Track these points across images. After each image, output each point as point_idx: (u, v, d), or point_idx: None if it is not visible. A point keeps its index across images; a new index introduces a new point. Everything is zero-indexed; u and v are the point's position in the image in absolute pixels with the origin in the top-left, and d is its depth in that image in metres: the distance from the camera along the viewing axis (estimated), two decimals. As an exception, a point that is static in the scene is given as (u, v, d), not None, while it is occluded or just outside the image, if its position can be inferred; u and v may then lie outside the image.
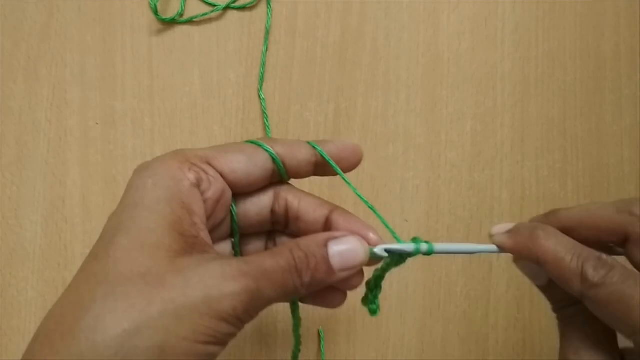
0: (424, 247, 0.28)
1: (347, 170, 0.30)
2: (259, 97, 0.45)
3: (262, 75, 0.45)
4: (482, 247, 0.30)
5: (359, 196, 0.30)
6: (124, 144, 0.45)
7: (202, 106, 0.45)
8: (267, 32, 0.45)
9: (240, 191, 0.29)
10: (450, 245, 0.30)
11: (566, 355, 0.28)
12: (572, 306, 0.28)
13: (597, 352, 0.27)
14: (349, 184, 0.30)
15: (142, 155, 0.44)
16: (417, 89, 0.46)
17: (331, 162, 0.29)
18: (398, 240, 0.29)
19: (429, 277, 0.44)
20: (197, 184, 0.27)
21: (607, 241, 0.28)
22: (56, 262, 0.43)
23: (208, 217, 0.28)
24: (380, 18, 0.46)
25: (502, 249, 0.29)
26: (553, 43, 0.47)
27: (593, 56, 0.47)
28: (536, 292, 0.45)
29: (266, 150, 0.29)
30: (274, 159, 0.29)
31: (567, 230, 0.28)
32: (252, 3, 0.45)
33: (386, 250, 0.28)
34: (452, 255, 0.44)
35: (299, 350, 0.35)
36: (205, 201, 0.27)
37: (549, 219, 0.29)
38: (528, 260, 0.28)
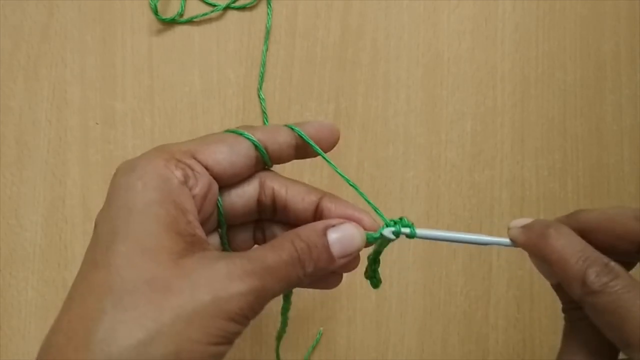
0: (420, 232, 0.29)
1: (326, 150, 0.30)
2: (259, 97, 0.45)
3: (262, 75, 0.45)
4: (495, 239, 0.30)
5: (341, 175, 0.30)
6: (124, 144, 0.45)
7: (202, 106, 0.45)
8: (268, 32, 0.45)
9: (226, 182, 0.29)
10: (461, 234, 0.30)
11: (563, 355, 0.28)
12: (580, 309, 0.27)
13: (594, 359, 0.27)
14: (329, 162, 0.30)
15: (142, 155, 0.44)
16: (417, 89, 0.46)
17: (310, 142, 0.30)
18: (384, 219, 0.29)
19: (429, 277, 0.44)
20: (185, 181, 0.26)
21: (623, 248, 0.27)
22: (56, 262, 0.43)
23: (197, 213, 0.28)
24: (380, 18, 0.46)
25: (514, 243, 0.29)
26: (553, 43, 0.47)
27: (593, 56, 0.47)
28: (536, 292, 0.45)
29: (247, 138, 0.29)
30: (256, 146, 0.29)
31: (585, 233, 0.28)
32: (252, 3, 0.45)
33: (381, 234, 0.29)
34: (456, 245, 0.44)
35: (284, 332, 0.35)
36: (193, 197, 0.27)
37: (569, 219, 0.29)
38: (537, 257, 0.28)
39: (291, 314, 0.33)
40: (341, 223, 0.28)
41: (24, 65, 0.45)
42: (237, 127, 0.29)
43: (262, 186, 0.30)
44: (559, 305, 0.30)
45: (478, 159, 0.46)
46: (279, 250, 0.26)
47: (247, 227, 0.32)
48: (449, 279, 0.45)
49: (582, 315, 0.27)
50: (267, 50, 0.45)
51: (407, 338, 0.44)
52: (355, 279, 0.41)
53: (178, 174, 0.26)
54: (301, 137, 0.30)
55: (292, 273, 0.26)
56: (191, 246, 0.25)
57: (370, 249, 0.31)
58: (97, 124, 0.45)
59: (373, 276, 0.32)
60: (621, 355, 0.27)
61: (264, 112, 0.45)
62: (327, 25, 0.46)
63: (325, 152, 0.30)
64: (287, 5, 0.46)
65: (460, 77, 0.46)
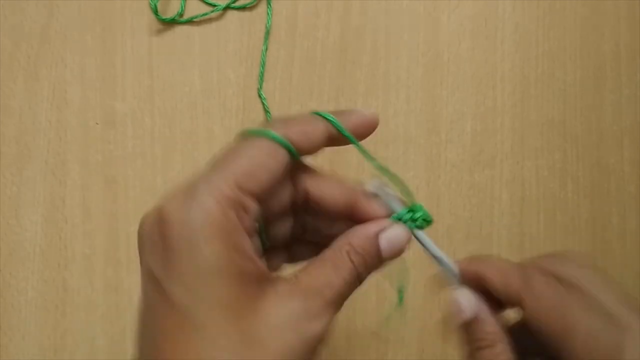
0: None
1: (361, 138, 0.30)
2: (260, 96, 0.45)
3: (262, 74, 0.45)
4: (445, 258, 0.30)
5: (382, 169, 0.30)
6: (124, 144, 0.45)
7: (202, 106, 0.45)
8: (267, 32, 0.45)
9: (265, 200, 0.28)
10: (433, 246, 0.30)
11: None
12: (488, 348, 0.28)
13: None
14: (368, 155, 0.30)
15: (142, 155, 0.44)
16: (417, 89, 0.46)
17: (351, 138, 0.29)
18: (413, 203, 0.30)
19: (429, 277, 0.44)
20: (239, 220, 0.25)
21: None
22: (56, 262, 0.43)
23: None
24: (380, 18, 0.46)
25: (456, 276, 0.30)
26: (553, 43, 0.47)
27: (593, 56, 0.47)
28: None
29: (285, 147, 0.27)
30: (291, 153, 0.27)
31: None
32: (252, 3, 0.45)
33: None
34: (456, 245, 0.44)
35: None
36: (245, 229, 0.26)
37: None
38: (473, 280, 0.30)
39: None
40: (390, 226, 0.28)
41: (24, 65, 0.45)
42: (267, 127, 0.27)
43: (295, 186, 0.29)
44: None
45: (478, 159, 0.46)
46: (341, 271, 0.26)
47: (280, 220, 0.31)
48: (449, 279, 0.44)
49: (492, 355, 0.28)
50: (267, 49, 0.45)
51: (407, 338, 0.44)
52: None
53: (232, 215, 0.25)
54: (339, 130, 0.28)
55: (353, 288, 0.27)
56: (258, 284, 0.25)
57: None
58: (97, 124, 0.45)
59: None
60: None
61: (266, 111, 0.45)
62: (327, 25, 0.46)
63: (360, 141, 0.29)
64: (287, 5, 0.46)
65: (460, 77, 0.46)
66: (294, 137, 0.27)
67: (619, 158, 0.46)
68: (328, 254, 0.27)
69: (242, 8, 0.46)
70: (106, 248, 0.44)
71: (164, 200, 0.25)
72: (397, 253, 0.28)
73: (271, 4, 0.45)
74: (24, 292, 0.43)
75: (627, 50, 0.47)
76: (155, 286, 0.24)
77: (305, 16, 0.46)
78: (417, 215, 0.29)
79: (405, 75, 0.46)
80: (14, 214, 0.44)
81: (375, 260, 0.27)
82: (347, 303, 0.32)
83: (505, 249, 0.45)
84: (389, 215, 0.28)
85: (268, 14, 0.45)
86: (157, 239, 0.24)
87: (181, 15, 0.45)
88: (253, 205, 0.26)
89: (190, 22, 0.45)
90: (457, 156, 0.46)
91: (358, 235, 0.27)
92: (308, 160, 0.29)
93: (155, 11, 0.45)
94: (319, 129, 0.28)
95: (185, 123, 0.45)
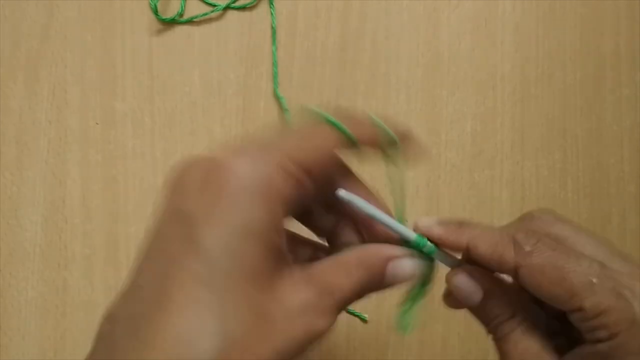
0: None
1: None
2: (276, 96, 0.45)
3: (276, 74, 0.45)
4: (403, 228, 0.28)
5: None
6: (124, 144, 0.45)
7: (202, 106, 0.45)
8: (274, 32, 0.45)
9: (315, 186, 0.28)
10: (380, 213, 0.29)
11: None
12: (508, 321, 0.28)
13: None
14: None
15: (142, 155, 0.44)
16: (417, 89, 0.46)
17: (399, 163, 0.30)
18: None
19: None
20: (287, 192, 0.25)
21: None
22: (56, 262, 0.43)
23: None
24: (380, 18, 0.46)
25: (428, 237, 0.28)
26: (553, 43, 0.47)
27: (593, 56, 0.47)
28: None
29: (346, 136, 0.28)
30: (351, 140, 0.28)
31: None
32: (252, 3, 0.45)
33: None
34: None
35: None
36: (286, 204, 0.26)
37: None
38: (455, 249, 0.29)
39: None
40: (404, 256, 0.28)
41: (24, 65, 0.45)
42: (339, 117, 0.28)
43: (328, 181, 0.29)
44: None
45: (478, 159, 0.46)
46: (352, 279, 0.26)
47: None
48: (449, 279, 0.44)
49: (509, 329, 0.28)
50: (276, 49, 0.45)
51: (407, 338, 0.44)
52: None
53: (290, 187, 0.25)
54: (389, 136, 0.29)
55: (355, 300, 0.27)
56: (280, 261, 0.25)
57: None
58: (97, 124, 0.45)
59: (403, 315, 0.29)
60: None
61: (285, 110, 0.44)
62: (327, 25, 0.46)
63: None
64: (287, 5, 0.46)
65: (460, 77, 0.46)
66: (353, 128, 0.28)
67: (619, 158, 0.46)
68: (341, 259, 0.27)
69: (242, 8, 0.46)
70: (106, 248, 0.44)
71: (222, 152, 0.25)
72: (398, 282, 0.28)
73: (274, 4, 0.45)
74: (24, 292, 0.43)
75: (627, 50, 0.47)
76: (183, 229, 0.23)
77: (305, 16, 0.46)
78: (424, 247, 0.28)
79: (405, 75, 0.46)
80: (14, 214, 0.44)
81: (378, 284, 0.27)
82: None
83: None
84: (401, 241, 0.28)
85: (272, 13, 0.45)
86: (208, 183, 0.24)
87: (181, 15, 0.45)
88: (309, 186, 0.26)
89: (190, 22, 0.45)
90: (457, 156, 0.46)
91: (371, 254, 0.27)
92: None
93: (155, 11, 0.45)
94: (369, 128, 0.30)
95: (185, 123, 0.45)
